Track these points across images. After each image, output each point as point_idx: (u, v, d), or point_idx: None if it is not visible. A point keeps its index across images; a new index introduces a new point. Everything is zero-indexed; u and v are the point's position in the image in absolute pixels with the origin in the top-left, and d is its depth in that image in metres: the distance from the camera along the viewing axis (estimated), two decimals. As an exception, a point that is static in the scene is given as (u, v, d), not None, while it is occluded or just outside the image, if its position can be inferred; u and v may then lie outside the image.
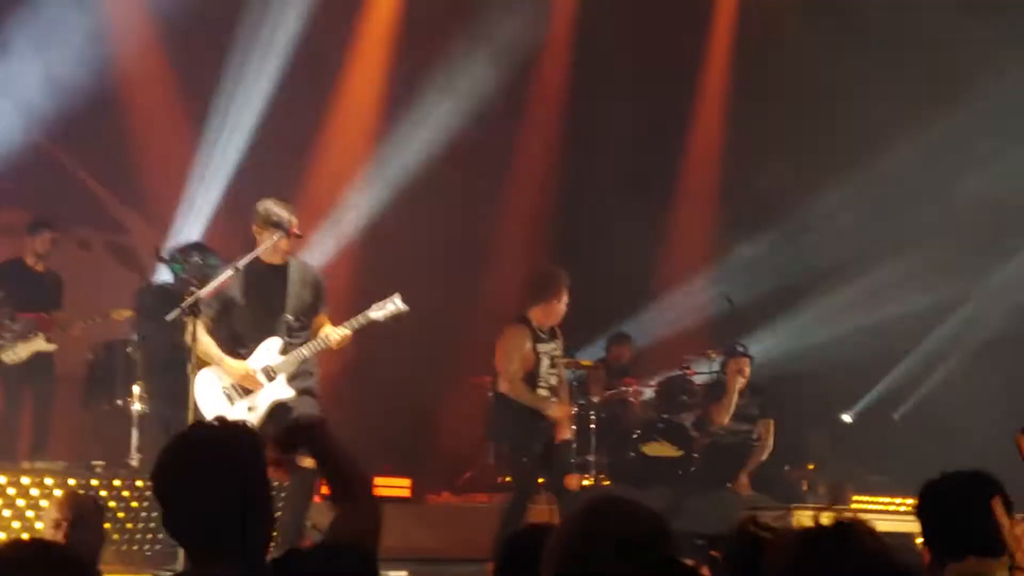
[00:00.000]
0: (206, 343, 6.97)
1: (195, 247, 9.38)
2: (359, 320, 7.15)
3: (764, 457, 9.83)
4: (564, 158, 13.58)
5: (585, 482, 10.60)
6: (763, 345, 12.14)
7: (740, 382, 9.60)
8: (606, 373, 11.78)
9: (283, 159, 11.55)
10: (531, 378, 8.20)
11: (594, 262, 12.33)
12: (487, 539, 7.95)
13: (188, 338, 6.87)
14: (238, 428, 2.73)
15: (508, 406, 8.20)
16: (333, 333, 7.10)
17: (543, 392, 8.27)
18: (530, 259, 12.70)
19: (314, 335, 7.18)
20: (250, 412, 6.94)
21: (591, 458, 10.75)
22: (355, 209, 12.31)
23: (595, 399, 11.21)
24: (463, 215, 12.97)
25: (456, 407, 12.22)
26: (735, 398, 9.62)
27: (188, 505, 2.61)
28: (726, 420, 9.60)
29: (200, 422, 2.92)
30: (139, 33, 11.38)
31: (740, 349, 9.78)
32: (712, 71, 13.92)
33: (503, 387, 8.22)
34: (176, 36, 11.25)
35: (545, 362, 8.25)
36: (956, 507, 3.16)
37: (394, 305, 7.17)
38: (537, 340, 8.20)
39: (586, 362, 12.01)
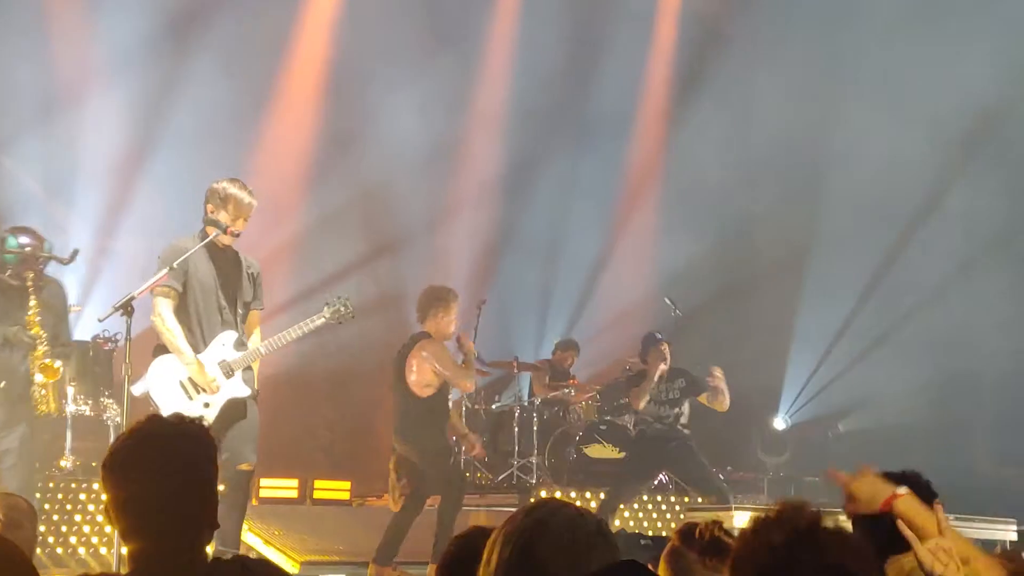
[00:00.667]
0: (173, 329, 6.90)
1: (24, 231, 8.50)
2: (315, 322, 7.18)
3: (726, 407, 9.90)
4: (508, 146, 13.64)
5: (529, 484, 10.73)
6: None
7: (662, 368, 9.74)
8: (549, 374, 11.84)
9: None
10: (445, 390, 8.49)
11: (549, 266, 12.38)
12: (428, 542, 8.01)
13: (156, 319, 6.87)
14: (191, 424, 2.74)
15: (432, 409, 8.40)
16: (290, 333, 7.14)
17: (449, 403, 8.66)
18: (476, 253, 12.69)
19: (248, 330, 7.20)
20: (207, 408, 6.90)
21: (534, 460, 10.87)
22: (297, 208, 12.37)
23: (537, 400, 11.31)
24: (406, 212, 13.00)
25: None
26: (653, 383, 9.76)
27: (137, 499, 2.62)
28: (641, 405, 9.69)
29: (155, 415, 2.92)
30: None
31: (659, 336, 9.93)
32: (655, 70, 14.03)
33: (467, 386, 8.57)
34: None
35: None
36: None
37: (344, 307, 7.27)
38: None
39: (528, 364, 12.08)
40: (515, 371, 11.82)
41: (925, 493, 3.18)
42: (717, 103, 13.38)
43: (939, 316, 11.08)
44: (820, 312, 12.96)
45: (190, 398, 6.96)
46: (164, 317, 6.87)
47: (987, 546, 7.61)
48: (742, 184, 13.28)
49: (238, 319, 7.10)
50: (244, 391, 7.03)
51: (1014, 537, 10.14)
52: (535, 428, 11.00)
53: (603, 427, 10.97)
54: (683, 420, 9.92)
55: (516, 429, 10.99)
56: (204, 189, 7.13)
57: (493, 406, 11.68)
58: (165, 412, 6.59)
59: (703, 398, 9.75)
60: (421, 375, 8.36)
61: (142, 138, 11.53)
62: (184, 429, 2.71)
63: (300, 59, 12.56)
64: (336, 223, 12.49)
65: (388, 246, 12.83)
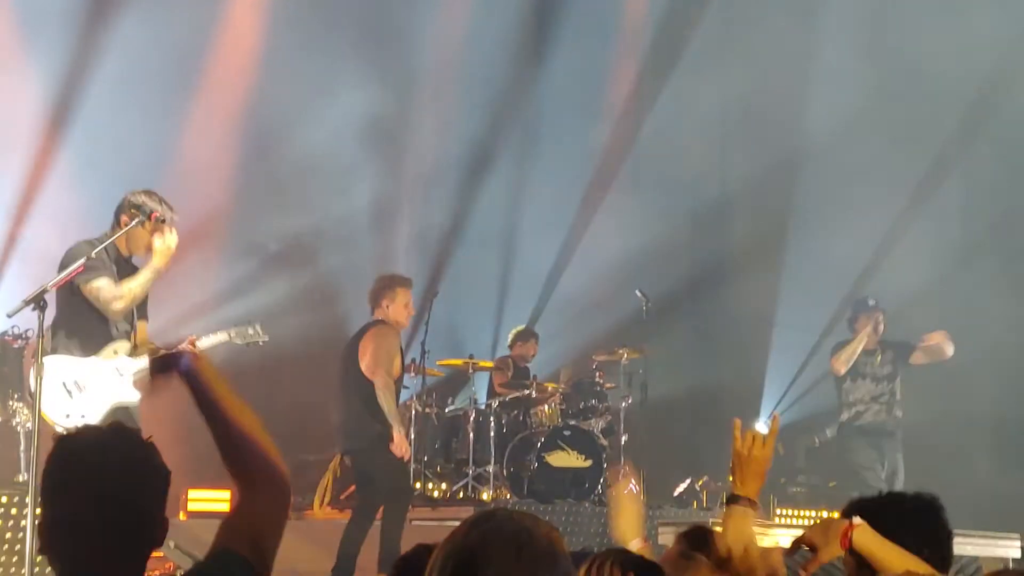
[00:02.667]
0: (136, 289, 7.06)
1: None
2: (218, 337, 7.36)
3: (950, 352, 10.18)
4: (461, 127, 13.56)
5: (484, 496, 10.68)
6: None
7: (868, 333, 10.23)
8: (511, 373, 11.72)
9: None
10: (399, 381, 8.86)
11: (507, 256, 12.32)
12: (372, 557, 7.87)
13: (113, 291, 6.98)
14: (128, 433, 2.67)
15: (377, 409, 8.57)
16: (203, 341, 7.24)
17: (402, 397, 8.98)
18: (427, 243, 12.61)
19: (136, 342, 7.25)
20: (88, 410, 6.93)
21: (490, 469, 10.71)
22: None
23: (495, 403, 11.17)
24: (350, 200, 12.80)
25: None
26: (857, 350, 10.23)
27: (67, 514, 2.53)
28: (843, 367, 10.20)
29: (88, 426, 2.81)
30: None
31: (871, 302, 10.44)
32: (624, 46, 13.94)
33: (379, 383, 8.61)
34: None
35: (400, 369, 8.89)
36: (905, 524, 3.33)
37: (254, 330, 7.56)
38: None
39: (485, 363, 11.99)
40: (470, 371, 11.64)
41: (901, 518, 3.35)
42: (690, 80, 13.27)
43: (934, 310, 11.06)
44: (803, 306, 12.87)
45: (70, 397, 6.97)
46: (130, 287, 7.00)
47: (990, 564, 7.53)
48: (717, 167, 13.21)
49: (126, 330, 7.19)
50: (133, 397, 7.01)
51: (1017, 554, 10.08)
52: (492, 434, 10.83)
53: (567, 432, 10.72)
54: (898, 396, 10.28)
55: (471, 435, 10.86)
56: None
57: (446, 410, 11.48)
58: (48, 413, 6.70)
59: (918, 357, 10.17)
60: (375, 356, 8.65)
61: (55, 116, 11.30)
62: (125, 443, 2.62)
63: (230, 36, 12.29)
64: (271, 210, 12.35)
65: (331, 237, 12.66)
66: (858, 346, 10.33)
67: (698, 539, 3.97)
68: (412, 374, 10.99)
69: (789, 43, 13.04)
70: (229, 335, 7.47)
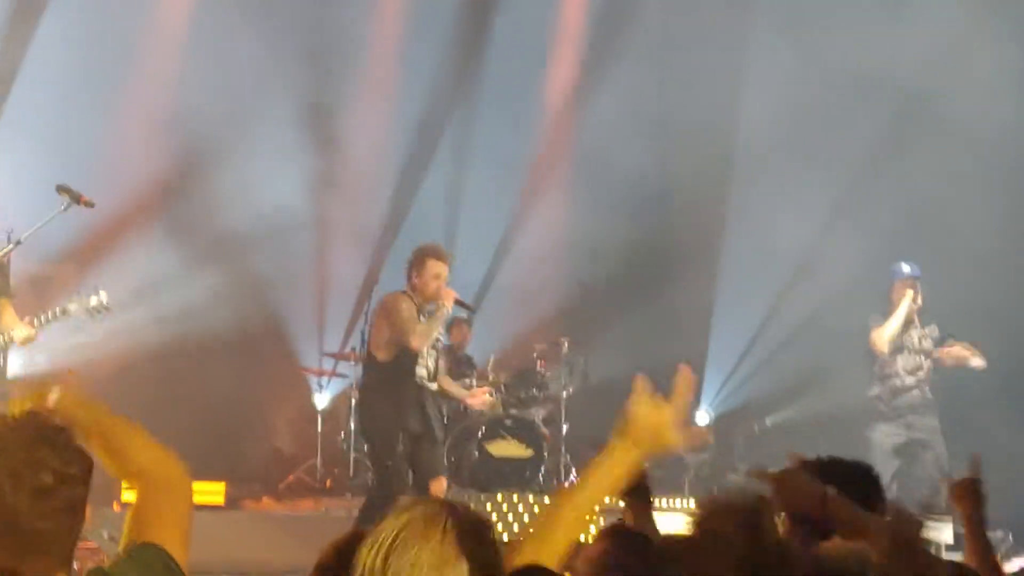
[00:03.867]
0: None
1: None
2: (55, 313, 7.23)
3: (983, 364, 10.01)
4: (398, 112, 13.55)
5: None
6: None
7: (910, 306, 9.83)
8: (451, 360, 11.52)
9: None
10: (413, 354, 8.47)
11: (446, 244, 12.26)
12: (314, 552, 7.89)
13: None
14: (38, 419, 2.58)
15: (387, 379, 8.38)
16: (19, 331, 7.15)
17: (421, 372, 8.56)
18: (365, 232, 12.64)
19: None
20: None
21: None
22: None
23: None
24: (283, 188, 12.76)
25: (279, 400, 12.20)
26: (898, 325, 9.87)
27: None
28: (886, 347, 9.84)
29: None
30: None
31: (907, 269, 10.03)
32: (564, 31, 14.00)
33: (415, 347, 8.37)
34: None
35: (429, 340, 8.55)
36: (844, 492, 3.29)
37: (97, 298, 7.36)
38: (419, 313, 8.52)
39: None
40: None
41: (859, 485, 3.42)
42: (632, 66, 13.35)
43: (873, 298, 11.14)
44: (742, 296, 13.00)
45: None
46: None
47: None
48: (658, 154, 13.30)
49: None
50: None
51: (950, 540, 10.31)
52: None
53: (509, 422, 10.82)
54: (931, 377, 9.90)
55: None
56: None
57: None
58: None
59: (945, 358, 9.83)
60: (378, 333, 8.49)
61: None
62: (42, 430, 2.54)
63: (158, 23, 12.32)
64: (202, 200, 12.32)
65: (265, 228, 12.62)
66: (900, 319, 9.83)
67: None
68: (352, 362, 11.00)
69: (726, 38, 13.11)
70: (67, 309, 7.22)
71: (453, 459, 10.82)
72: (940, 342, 10.01)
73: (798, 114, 12.53)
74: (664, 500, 10.26)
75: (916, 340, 10.02)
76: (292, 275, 12.68)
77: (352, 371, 11.30)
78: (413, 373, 8.53)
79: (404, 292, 8.56)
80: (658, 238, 13.43)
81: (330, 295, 12.82)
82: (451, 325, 12.08)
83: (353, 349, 11.11)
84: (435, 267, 8.53)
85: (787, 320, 12.32)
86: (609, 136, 13.26)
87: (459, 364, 11.78)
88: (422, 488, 8.37)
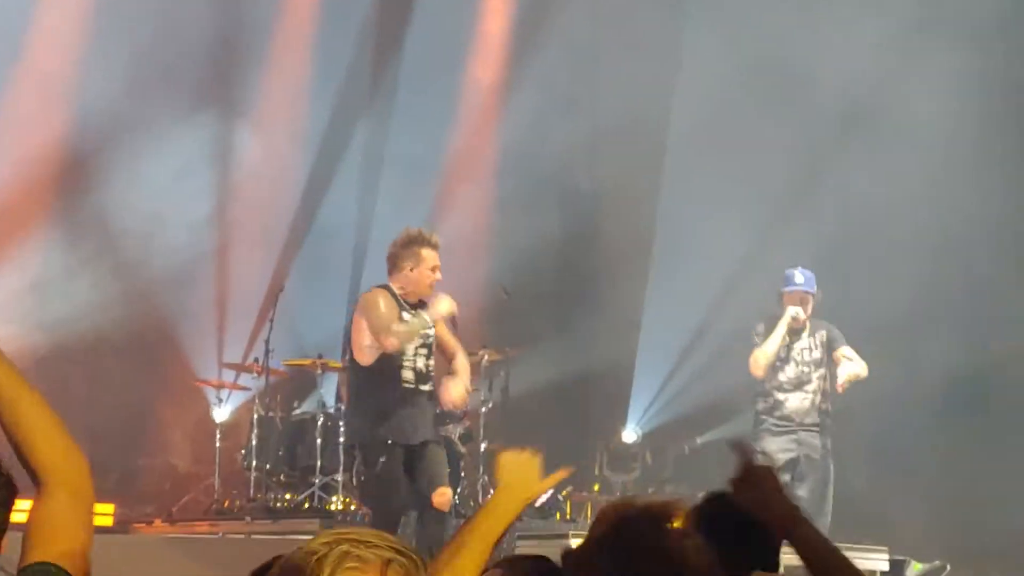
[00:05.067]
0: None
1: None
2: None
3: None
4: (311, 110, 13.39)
5: (332, 506, 10.52)
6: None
7: (795, 316, 9.50)
8: None
9: None
10: (396, 355, 7.99)
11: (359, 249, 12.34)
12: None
13: None
14: None
15: (369, 381, 8.01)
16: None
17: (408, 375, 8.07)
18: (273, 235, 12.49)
19: None
20: None
21: (339, 478, 10.58)
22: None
23: (344, 406, 10.82)
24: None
25: (174, 413, 11.98)
26: (781, 338, 9.54)
27: None
28: (762, 371, 9.46)
29: None
30: None
31: (794, 277, 9.68)
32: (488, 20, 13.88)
33: (391, 348, 7.95)
34: None
35: (414, 339, 8.07)
36: (740, 525, 3.33)
37: None
38: (402, 310, 8.04)
39: (335, 363, 11.64)
40: (318, 371, 11.40)
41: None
42: (557, 65, 13.22)
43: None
44: (673, 306, 12.81)
45: None
46: None
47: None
48: (586, 156, 13.19)
49: None
50: None
51: (885, 567, 10.18)
52: (341, 440, 10.48)
53: (423, 438, 10.64)
54: (826, 387, 9.52)
55: (319, 441, 10.70)
56: None
57: (292, 413, 11.34)
58: None
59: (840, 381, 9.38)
60: (357, 334, 8.06)
61: None
62: None
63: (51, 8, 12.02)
64: (95, 199, 12.05)
65: (162, 225, 12.33)
66: (776, 340, 9.42)
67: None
68: (255, 374, 10.93)
69: (659, 36, 13.03)
70: None
71: (363, 478, 10.46)
72: (831, 346, 9.65)
73: (731, 115, 12.50)
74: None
75: (802, 351, 9.65)
76: (191, 280, 12.42)
77: (254, 383, 11.15)
78: (399, 377, 8.06)
79: (384, 287, 8.13)
80: (584, 244, 13.33)
81: (231, 302, 12.62)
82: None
83: (256, 360, 11.01)
84: (432, 257, 8.11)
85: (721, 329, 12.15)
86: (534, 137, 13.12)
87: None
88: (423, 500, 7.94)
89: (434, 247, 8.13)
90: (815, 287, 9.74)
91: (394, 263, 8.13)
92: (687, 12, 13.13)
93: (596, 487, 12.27)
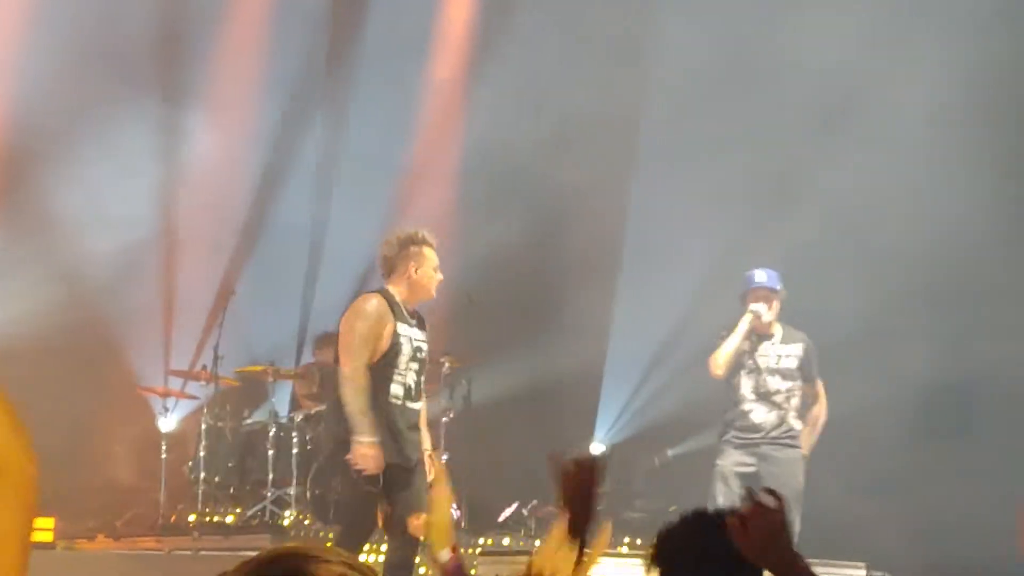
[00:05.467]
0: None
1: None
2: None
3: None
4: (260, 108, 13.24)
5: (284, 521, 10.37)
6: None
7: (757, 315, 9.18)
8: (318, 383, 11.34)
9: None
10: (385, 367, 7.42)
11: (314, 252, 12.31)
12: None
13: None
14: None
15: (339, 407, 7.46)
16: None
17: (397, 390, 7.51)
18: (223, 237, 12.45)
19: None
20: None
21: (292, 491, 10.54)
22: None
23: (299, 416, 10.96)
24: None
25: (118, 423, 11.88)
26: (740, 339, 9.18)
27: None
28: (721, 370, 9.09)
29: None
30: None
31: (757, 279, 9.36)
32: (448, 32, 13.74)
33: (344, 372, 7.40)
34: None
35: (407, 349, 7.51)
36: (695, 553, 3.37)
37: None
38: (398, 319, 7.50)
39: (288, 371, 11.71)
40: (270, 380, 11.22)
41: None
42: (524, 56, 13.04)
43: (789, 312, 11.02)
44: (642, 315, 12.68)
45: None
46: None
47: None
48: (552, 156, 13.02)
49: None
50: None
51: (862, 583, 10.01)
52: (294, 452, 10.61)
53: (380, 450, 10.46)
54: (795, 403, 9.16)
55: (271, 452, 10.62)
56: None
57: (242, 424, 11.23)
58: None
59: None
60: (343, 338, 7.53)
61: None
62: None
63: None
64: (34, 199, 11.87)
65: (110, 223, 12.06)
66: (739, 337, 9.05)
67: None
68: (203, 382, 10.83)
69: (628, 33, 12.94)
70: None
71: (316, 492, 10.50)
72: (807, 368, 9.31)
73: (704, 112, 12.37)
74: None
75: (770, 359, 9.28)
76: (135, 282, 12.23)
77: (202, 391, 11.05)
78: (387, 391, 7.47)
79: (380, 291, 7.59)
80: (552, 247, 13.17)
81: (179, 306, 12.48)
82: (317, 345, 11.75)
83: (204, 367, 10.94)
84: (435, 257, 7.68)
85: (693, 339, 11.95)
86: (499, 135, 12.89)
87: (325, 386, 11.11)
88: (400, 524, 7.38)
89: (434, 247, 7.71)
90: (779, 285, 9.38)
91: (392, 266, 7.61)
92: (657, 7, 13.04)
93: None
